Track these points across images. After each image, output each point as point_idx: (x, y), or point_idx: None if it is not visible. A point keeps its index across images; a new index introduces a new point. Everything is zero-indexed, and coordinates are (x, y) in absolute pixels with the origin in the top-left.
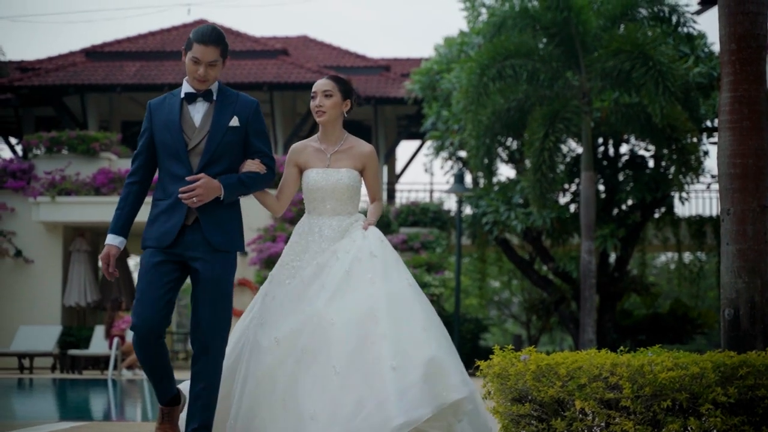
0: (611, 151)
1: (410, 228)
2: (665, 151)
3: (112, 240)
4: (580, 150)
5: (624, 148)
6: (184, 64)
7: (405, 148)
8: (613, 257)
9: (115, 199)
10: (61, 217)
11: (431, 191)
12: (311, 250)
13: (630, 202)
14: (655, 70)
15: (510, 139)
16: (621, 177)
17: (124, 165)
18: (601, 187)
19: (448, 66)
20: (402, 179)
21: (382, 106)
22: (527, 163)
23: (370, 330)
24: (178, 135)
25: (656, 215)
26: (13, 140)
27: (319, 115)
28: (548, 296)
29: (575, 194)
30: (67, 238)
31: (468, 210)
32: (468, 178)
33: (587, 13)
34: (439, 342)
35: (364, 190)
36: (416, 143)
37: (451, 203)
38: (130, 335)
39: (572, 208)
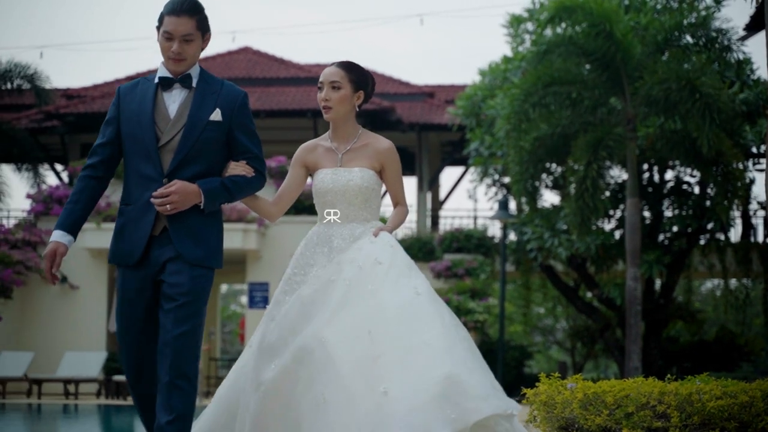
0: (656, 177)
1: (454, 254)
2: (711, 178)
3: (60, 237)
4: (625, 176)
5: (669, 175)
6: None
7: (449, 175)
8: (658, 284)
9: None
10: (106, 244)
11: (475, 217)
12: (318, 263)
13: (675, 228)
14: (701, 102)
15: (554, 165)
16: (666, 203)
17: None
18: (647, 214)
19: (492, 92)
20: (446, 205)
21: (426, 132)
22: (572, 189)
23: (365, 350)
24: (149, 128)
25: (701, 242)
26: (59, 167)
27: (326, 111)
28: (593, 323)
29: (620, 221)
30: (112, 264)
31: (512, 236)
32: (512, 205)
33: (631, 40)
34: (455, 356)
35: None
36: (460, 169)
37: (495, 229)
38: None
39: (617, 234)
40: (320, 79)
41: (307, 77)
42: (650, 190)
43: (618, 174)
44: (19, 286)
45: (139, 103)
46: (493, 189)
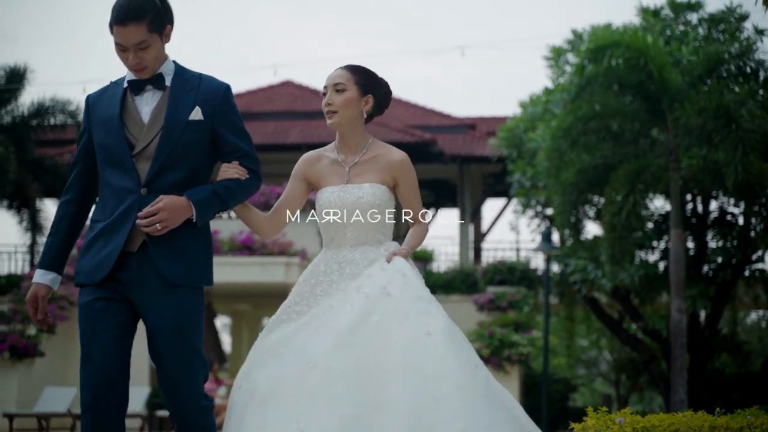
0: (700, 208)
1: (497, 287)
2: (755, 209)
3: (41, 277)
4: (668, 207)
5: (713, 206)
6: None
7: (491, 207)
8: (703, 315)
9: None
10: None
11: (518, 249)
12: (327, 293)
13: (719, 260)
14: (736, 133)
15: (597, 197)
16: (710, 235)
17: (212, 226)
18: (690, 245)
19: (533, 124)
20: (488, 237)
21: (467, 164)
22: (615, 220)
23: (374, 396)
24: (119, 135)
25: (746, 273)
26: None
27: (330, 116)
28: (638, 355)
29: (664, 252)
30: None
31: (555, 268)
32: (555, 236)
33: (669, 72)
34: (456, 413)
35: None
36: (502, 201)
37: (538, 261)
38: (219, 394)
39: (661, 266)
40: (324, 84)
41: None
42: (694, 221)
43: (661, 205)
44: (63, 321)
45: (107, 109)
46: (536, 221)
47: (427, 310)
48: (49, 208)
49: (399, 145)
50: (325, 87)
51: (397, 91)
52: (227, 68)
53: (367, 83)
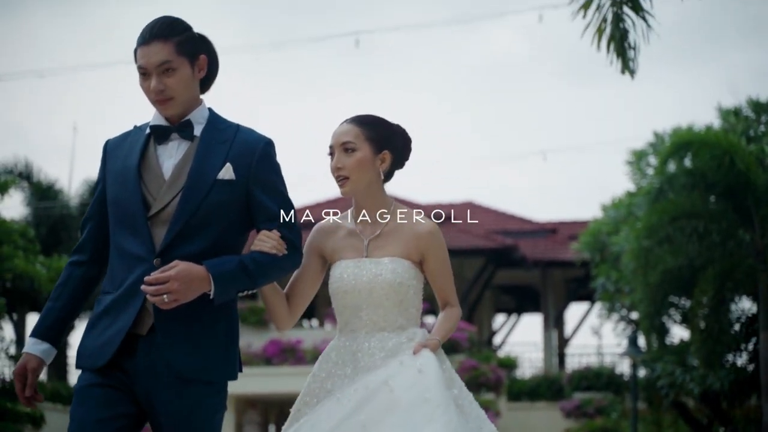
0: None
1: (583, 393)
2: None
3: (32, 347)
4: (755, 309)
5: None
6: None
7: (574, 311)
8: None
9: (287, 370)
10: (234, 389)
11: (601, 354)
12: (337, 388)
13: None
14: None
15: (683, 299)
16: None
17: (295, 335)
18: None
19: (617, 227)
20: (572, 342)
21: (550, 269)
22: (699, 323)
23: None
24: (134, 192)
25: None
26: None
27: (341, 182)
28: None
29: (752, 354)
30: (239, 410)
31: (642, 373)
32: (642, 341)
33: (755, 171)
34: None
35: None
36: (585, 306)
37: (623, 367)
38: None
39: (750, 368)
40: (329, 143)
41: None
42: None
43: (748, 307)
44: None
45: (125, 158)
46: (621, 325)
47: (431, 415)
48: None
49: (481, 251)
50: (331, 147)
51: (478, 197)
52: (316, 177)
53: (382, 137)
